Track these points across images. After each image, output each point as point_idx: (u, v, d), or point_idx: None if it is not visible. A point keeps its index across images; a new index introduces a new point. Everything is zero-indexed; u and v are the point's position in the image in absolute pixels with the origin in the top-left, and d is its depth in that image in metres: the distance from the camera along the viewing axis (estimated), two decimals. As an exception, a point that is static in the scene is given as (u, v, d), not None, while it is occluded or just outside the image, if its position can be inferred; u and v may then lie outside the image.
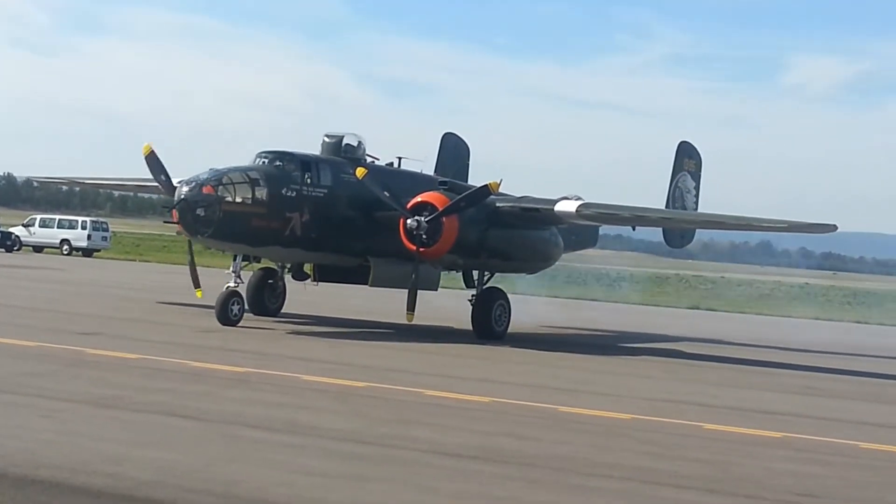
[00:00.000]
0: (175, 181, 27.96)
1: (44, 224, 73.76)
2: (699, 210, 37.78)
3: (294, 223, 27.17)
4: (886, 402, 22.28)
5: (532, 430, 14.58)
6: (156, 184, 29.37)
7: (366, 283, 28.67)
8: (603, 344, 31.29)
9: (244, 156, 28.27)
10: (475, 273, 30.73)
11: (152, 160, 27.76)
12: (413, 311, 27.61)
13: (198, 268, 28.53)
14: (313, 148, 29.09)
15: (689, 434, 15.32)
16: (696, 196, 38.53)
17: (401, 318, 28.43)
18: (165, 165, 27.85)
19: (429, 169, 32.62)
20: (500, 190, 27.84)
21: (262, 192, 26.61)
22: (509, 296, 30.40)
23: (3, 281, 39.12)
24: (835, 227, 27.29)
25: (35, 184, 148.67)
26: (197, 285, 28.15)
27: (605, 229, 37.64)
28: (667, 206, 36.86)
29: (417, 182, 29.73)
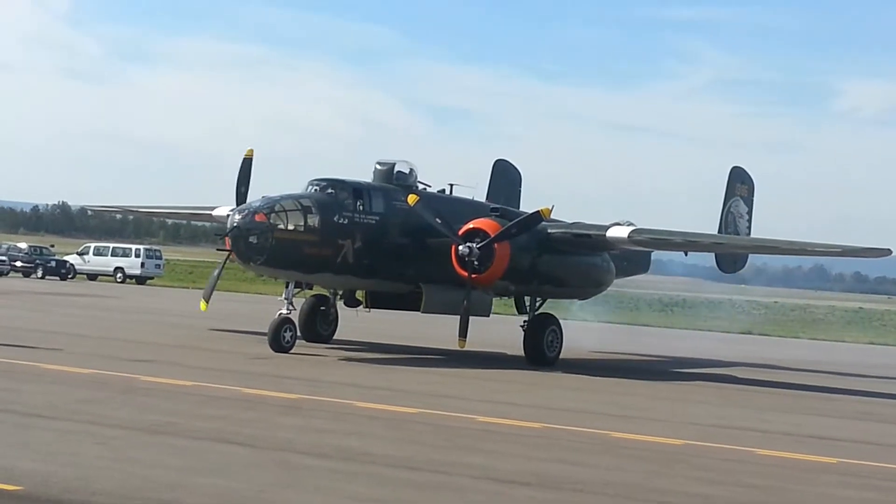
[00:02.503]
0: (228, 209, 28.18)
1: (98, 252, 74.38)
2: (752, 235, 37.59)
3: (346, 250, 27.22)
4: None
5: (584, 457, 14.54)
6: (207, 212, 29.37)
7: (418, 310, 28.70)
8: (656, 370, 31.16)
9: (295, 184, 28.39)
10: (527, 299, 30.65)
11: (246, 167, 27.89)
12: (465, 337, 27.54)
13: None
14: (365, 175, 29.16)
15: (742, 460, 15.21)
16: (749, 221, 38.30)
17: (453, 344, 28.40)
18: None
19: (480, 195, 32.62)
20: (552, 216, 27.84)
21: (314, 220, 26.69)
22: (561, 321, 30.30)
23: (58, 309, 39.45)
24: (889, 252, 27.16)
25: (89, 212, 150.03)
26: (206, 298, 28.45)
27: (656, 254, 37.50)
28: (719, 232, 36.69)
29: (469, 208, 29.72)
